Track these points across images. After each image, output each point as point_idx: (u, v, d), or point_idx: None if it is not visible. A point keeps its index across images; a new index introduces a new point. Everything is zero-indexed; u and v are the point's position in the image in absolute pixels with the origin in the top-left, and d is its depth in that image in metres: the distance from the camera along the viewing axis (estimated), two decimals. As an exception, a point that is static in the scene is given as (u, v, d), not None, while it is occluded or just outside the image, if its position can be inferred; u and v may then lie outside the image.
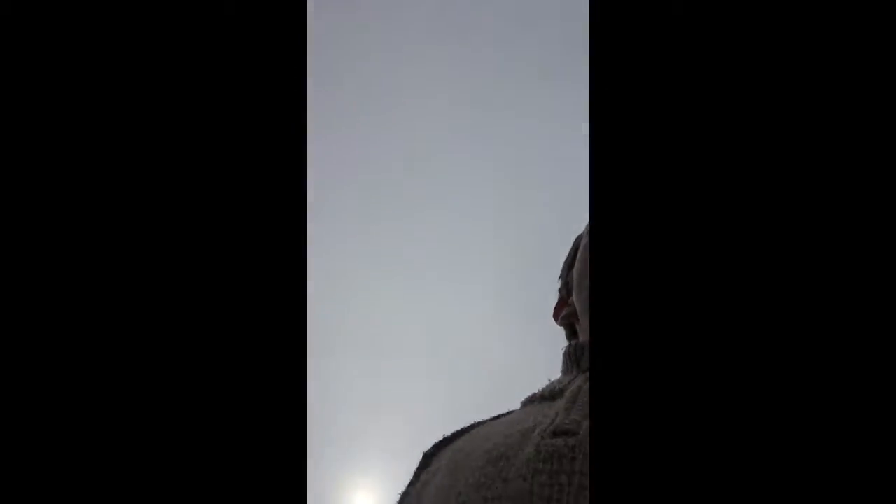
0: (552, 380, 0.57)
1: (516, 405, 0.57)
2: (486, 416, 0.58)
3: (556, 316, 0.73)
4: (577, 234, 0.69)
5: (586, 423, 0.41)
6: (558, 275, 0.74)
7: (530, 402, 0.55)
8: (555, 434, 0.41)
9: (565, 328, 0.68)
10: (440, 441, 0.58)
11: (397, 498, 0.54)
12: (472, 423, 0.59)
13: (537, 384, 0.58)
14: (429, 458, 0.57)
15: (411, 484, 0.54)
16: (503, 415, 0.58)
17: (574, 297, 0.65)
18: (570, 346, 0.60)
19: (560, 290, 0.74)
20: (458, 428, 0.59)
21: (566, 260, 0.72)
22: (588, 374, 0.51)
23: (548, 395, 0.52)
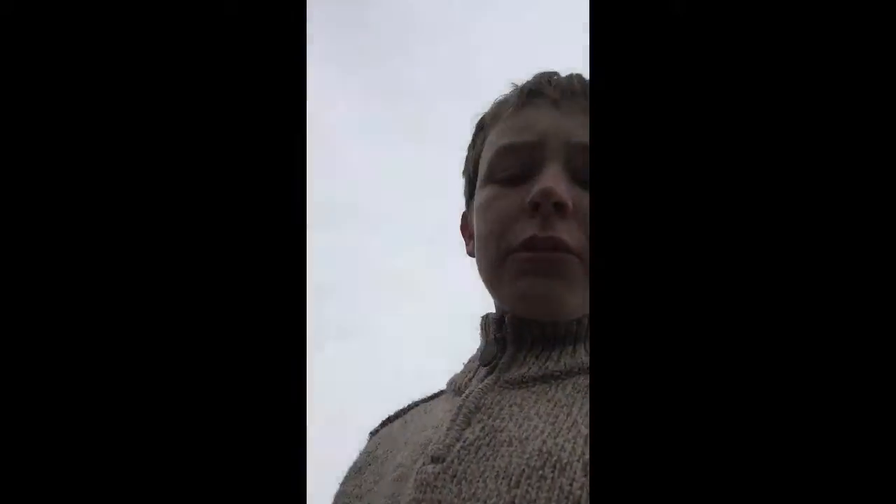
0: (470, 357, 0.55)
1: None
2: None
3: (463, 231, 0.62)
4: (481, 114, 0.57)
5: (458, 446, 0.42)
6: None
7: (449, 386, 0.54)
8: (432, 459, 0.42)
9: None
10: (384, 420, 0.59)
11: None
12: (410, 403, 0.59)
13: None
14: (372, 435, 0.59)
15: (357, 459, 0.55)
16: (436, 394, 0.57)
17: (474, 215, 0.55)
18: (484, 315, 0.55)
19: (465, 196, 0.60)
20: (400, 407, 0.59)
21: (469, 150, 0.58)
22: (487, 371, 0.49)
23: (455, 389, 0.51)
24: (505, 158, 0.50)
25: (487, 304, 0.56)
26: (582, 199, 0.48)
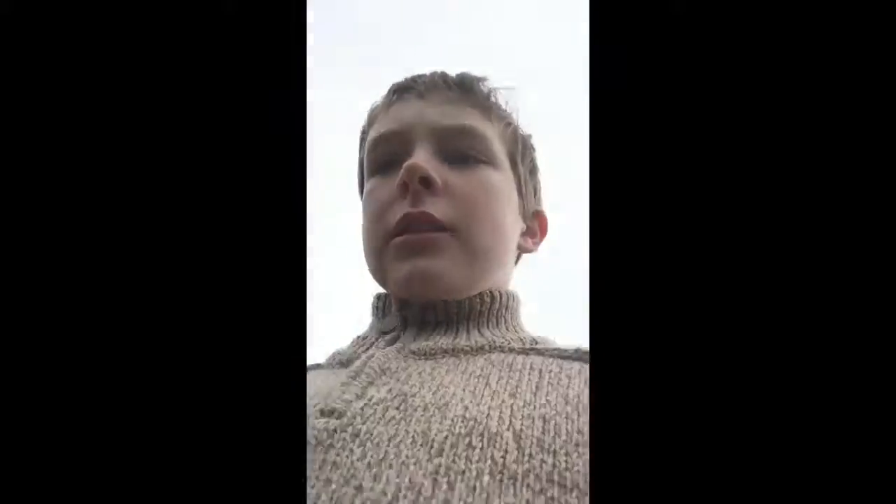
0: (359, 335, 0.53)
1: None
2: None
3: None
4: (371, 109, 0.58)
5: (360, 403, 0.36)
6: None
7: (330, 362, 0.50)
8: (322, 413, 0.36)
9: None
10: None
11: None
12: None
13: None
14: None
15: None
16: (312, 367, 0.52)
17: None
18: (376, 295, 0.54)
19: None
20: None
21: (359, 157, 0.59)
22: (388, 342, 0.47)
23: (345, 362, 0.47)
24: (377, 149, 0.52)
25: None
26: (453, 178, 0.49)
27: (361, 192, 0.59)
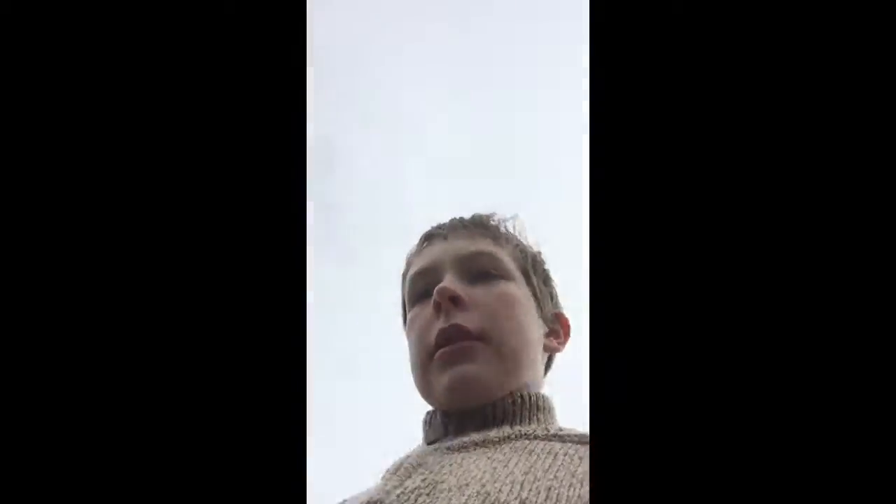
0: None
1: None
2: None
3: None
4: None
5: (397, 492, 0.44)
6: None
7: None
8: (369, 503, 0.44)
9: None
10: None
11: None
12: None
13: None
14: None
15: None
16: None
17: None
18: (426, 414, 0.62)
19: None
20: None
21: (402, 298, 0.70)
22: (431, 442, 0.55)
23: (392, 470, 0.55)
24: (415, 284, 0.63)
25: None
26: (477, 293, 0.58)
27: (405, 320, 0.69)
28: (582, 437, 0.51)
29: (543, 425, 0.56)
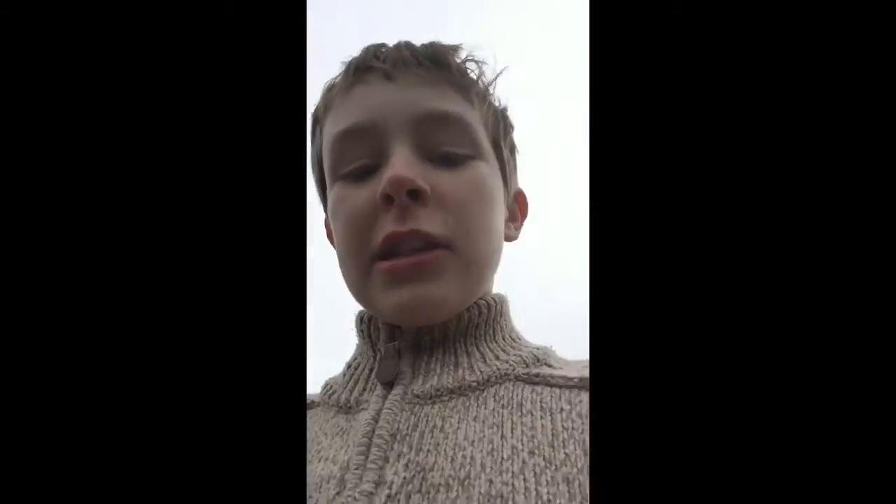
0: (349, 363, 0.48)
1: None
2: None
3: (329, 237, 0.53)
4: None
5: (382, 495, 0.35)
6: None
7: (326, 400, 0.46)
8: None
9: None
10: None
11: None
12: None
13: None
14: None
15: None
16: (310, 404, 0.48)
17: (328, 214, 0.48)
18: (359, 314, 0.48)
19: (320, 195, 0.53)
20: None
21: (313, 151, 0.51)
22: (389, 388, 0.42)
23: (343, 405, 0.44)
24: (344, 148, 0.44)
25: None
26: (439, 179, 0.42)
27: (320, 190, 0.51)
28: (568, 379, 0.41)
29: (512, 345, 0.45)
